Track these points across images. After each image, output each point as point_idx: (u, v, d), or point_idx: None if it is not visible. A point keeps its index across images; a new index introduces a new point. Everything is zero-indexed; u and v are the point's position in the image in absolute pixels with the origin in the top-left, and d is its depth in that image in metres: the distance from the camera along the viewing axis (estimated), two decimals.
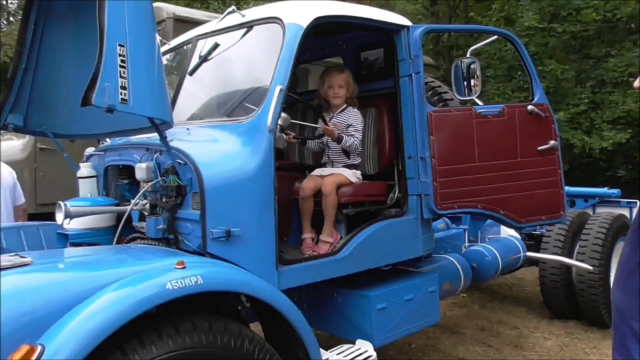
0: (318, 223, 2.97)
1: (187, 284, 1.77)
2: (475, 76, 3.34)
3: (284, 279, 2.40)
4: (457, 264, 3.83)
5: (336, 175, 2.97)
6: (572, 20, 8.80)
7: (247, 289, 2.01)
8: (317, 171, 3.13)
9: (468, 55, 3.44)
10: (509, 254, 4.41)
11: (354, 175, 3.05)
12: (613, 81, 8.56)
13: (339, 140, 3.00)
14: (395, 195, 3.20)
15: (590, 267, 4.46)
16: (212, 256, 2.24)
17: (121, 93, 1.93)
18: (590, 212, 5.40)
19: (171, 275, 1.78)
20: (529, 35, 8.33)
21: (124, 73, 1.95)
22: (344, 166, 3.11)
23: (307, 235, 2.95)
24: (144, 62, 2.06)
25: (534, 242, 5.10)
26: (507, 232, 4.85)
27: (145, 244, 2.43)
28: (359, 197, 3.01)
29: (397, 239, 2.96)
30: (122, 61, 1.96)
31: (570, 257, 4.66)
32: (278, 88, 2.39)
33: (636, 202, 5.49)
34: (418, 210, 3.02)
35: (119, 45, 1.94)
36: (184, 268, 1.83)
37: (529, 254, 4.69)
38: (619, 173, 9.11)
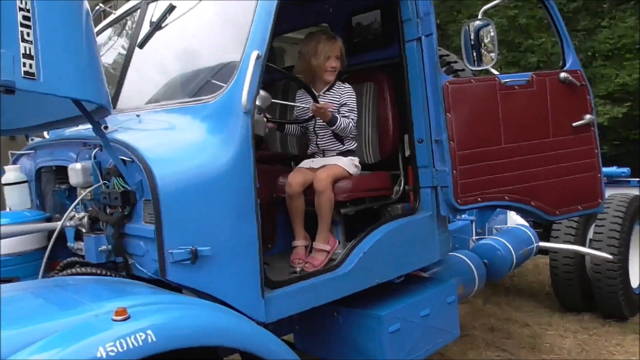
0: (309, 225, 2.42)
1: (131, 346, 1.18)
2: (484, 43, 2.81)
3: (272, 308, 1.84)
4: (469, 262, 3.33)
5: (331, 167, 2.40)
6: None
7: (227, 340, 1.43)
8: (306, 163, 2.55)
9: (480, 17, 2.89)
10: (521, 245, 3.98)
11: (351, 164, 2.48)
12: (605, 53, 8.19)
13: (332, 122, 2.41)
14: (401, 188, 2.65)
15: (610, 256, 4.05)
16: (174, 285, 1.66)
17: (24, 64, 1.33)
18: None
19: (106, 333, 1.18)
20: (518, 7, 7.90)
21: (28, 35, 1.36)
22: (338, 154, 2.54)
23: (300, 242, 2.39)
24: (63, 20, 1.45)
25: (542, 230, 4.67)
26: (514, 220, 4.41)
27: (85, 270, 1.82)
28: (360, 192, 2.44)
29: (410, 243, 2.41)
30: (25, 18, 1.36)
31: (584, 245, 4.31)
32: (255, 54, 1.78)
33: None
34: (433, 205, 2.48)
35: None
36: (126, 319, 1.23)
37: (541, 243, 4.26)
38: (603, 149, 8.82)
